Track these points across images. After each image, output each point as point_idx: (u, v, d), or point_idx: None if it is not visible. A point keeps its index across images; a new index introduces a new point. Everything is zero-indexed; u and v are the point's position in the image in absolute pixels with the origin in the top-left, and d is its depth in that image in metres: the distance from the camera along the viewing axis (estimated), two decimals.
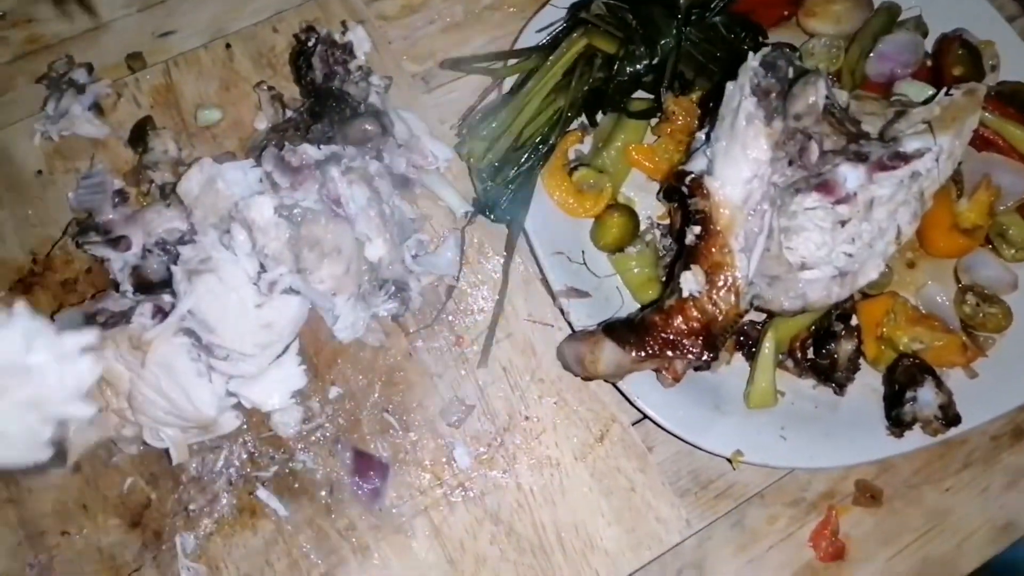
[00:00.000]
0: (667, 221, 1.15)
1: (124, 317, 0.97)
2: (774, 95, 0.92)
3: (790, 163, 0.93)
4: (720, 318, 0.89)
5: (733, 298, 0.89)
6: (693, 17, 1.17)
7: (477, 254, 1.12)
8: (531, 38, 1.19)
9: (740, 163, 0.90)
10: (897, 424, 1.02)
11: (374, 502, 0.99)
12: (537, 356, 1.07)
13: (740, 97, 0.92)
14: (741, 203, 0.90)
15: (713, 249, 0.90)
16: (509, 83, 1.17)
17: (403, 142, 1.11)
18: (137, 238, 1.03)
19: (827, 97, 0.99)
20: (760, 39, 1.23)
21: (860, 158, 0.97)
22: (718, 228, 0.90)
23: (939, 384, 1.02)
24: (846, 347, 1.06)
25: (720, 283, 0.89)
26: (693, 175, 0.93)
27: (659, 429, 1.03)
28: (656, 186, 1.17)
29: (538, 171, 1.12)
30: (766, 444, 1.02)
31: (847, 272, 1.00)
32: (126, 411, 0.93)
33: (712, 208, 0.90)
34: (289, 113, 1.16)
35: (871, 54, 1.22)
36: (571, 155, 1.17)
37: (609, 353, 0.94)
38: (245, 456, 1.01)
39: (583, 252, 1.11)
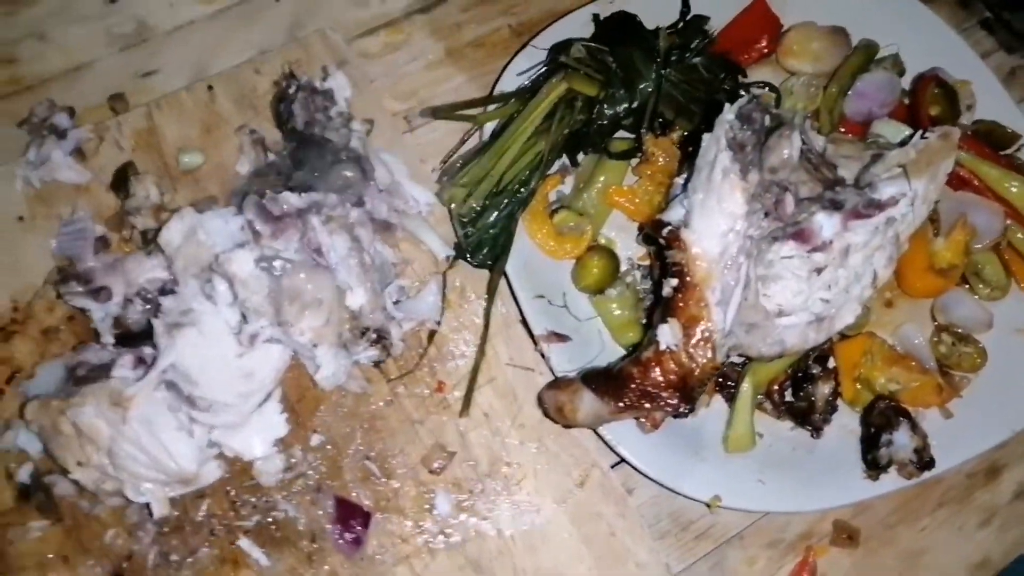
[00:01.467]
0: (647, 263, 1.16)
1: (105, 370, 0.97)
2: (749, 147, 0.93)
3: (766, 215, 0.94)
4: (696, 371, 0.90)
5: (710, 352, 0.90)
6: (673, 58, 1.18)
7: (459, 298, 1.12)
8: (511, 81, 1.20)
9: (716, 216, 0.91)
10: (873, 467, 1.04)
11: (356, 551, 1.00)
12: (518, 401, 1.07)
13: (716, 150, 0.93)
14: (717, 256, 0.91)
15: (690, 302, 0.91)
16: (490, 126, 1.17)
17: (384, 187, 1.12)
18: (118, 288, 1.04)
19: (803, 144, 1.00)
20: (740, 79, 1.24)
21: (835, 206, 0.99)
22: (695, 281, 0.91)
23: (914, 427, 1.04)
24: (823, 389, 1.07)
25: (696, 336, 0.90)
26: (671, 227, 0.94)
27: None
28: (636, 227, 1.18)
29: (519, 214, 1.13)
30: (744, 489, 1.03)
31: (824, 317, 1.01)
32: (107, 466, 0.93)
33: (689, 261, 0.91)
34: (271, 157, 1.17)
35: (849, 93, 1.24)
36: (552, 197, 1.18)
37: (587, 403, 0.95)
38: (227, 505, 1.01)
39: (564, 294, 1.12)
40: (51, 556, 0.98)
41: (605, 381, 0.94)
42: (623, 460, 1.04)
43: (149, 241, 1.12)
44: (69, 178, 1.15)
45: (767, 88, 1.25)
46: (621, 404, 0.93)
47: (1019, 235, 1.17)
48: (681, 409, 0.92)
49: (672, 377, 0.91)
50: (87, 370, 0.98)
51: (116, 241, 1.13)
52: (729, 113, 0.95)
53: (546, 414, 1.01)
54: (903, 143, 1.09)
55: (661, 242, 0.94)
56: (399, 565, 1.00)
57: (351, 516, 1.01)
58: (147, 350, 0.99)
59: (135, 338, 1.02)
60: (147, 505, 0.95)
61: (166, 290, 1.02)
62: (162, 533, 0.99)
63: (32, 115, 1.18)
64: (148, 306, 1.03)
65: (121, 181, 1.15)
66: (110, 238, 1.12)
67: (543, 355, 1.07)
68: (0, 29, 1.30)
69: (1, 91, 1.27)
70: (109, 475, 0.94)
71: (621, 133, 1.19)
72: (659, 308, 0.95)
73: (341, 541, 1.00)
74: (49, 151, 1.14)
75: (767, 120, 0.97)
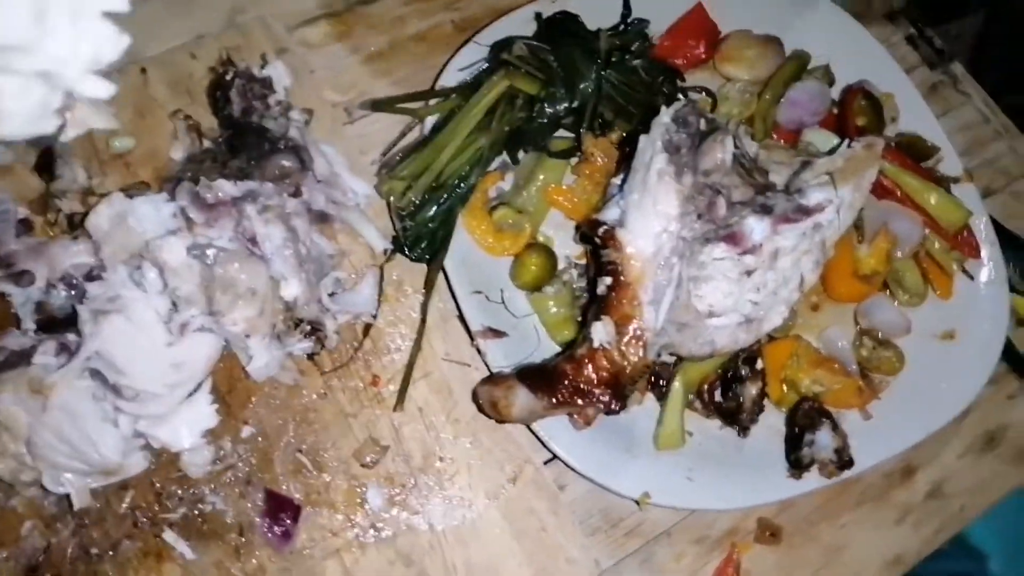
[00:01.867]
0: (584, 261, 1.17)
1: (25, 357, 0.94)
2: (684, 150, 0.95)
3: (699, 217, 0.96)
4: (628, 369, 0.92)
5: (641, 350, 0.92)
6: (613, 60, 1.20)
7: (396, 292, 1.12)
8: (453, 76, 1.20)
9: (651, 217, 0.93)
10: (796, 466, 1.07)
11: (285, 544, 0.99)
12: (454, 396, 1.07)
13: (652, 152, 0.95)
14: (651, 256, 0.93)
15: (623, 301, 0.92)
16: (431, 120, 1.17)
17: (323, 178, 1.11)
18: (41, 272, 1.00)
19: (736, 148, 1.03)
20: (678, 82, 1.27)
21: (766, 210, 1.01)
22: (628, 280, 0.92)
23: (835, 428, 1.07)
24: (751, 390, 1.10)
25: (629, 335, 0.92)
26: (606, 226, 0.95)
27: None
28: (574, 225, 1.19)
29: (458, 210, 1.13)
30: (674, 486, 1.05)
31: (753, 319, 1.04)
32: (24, 456, 0.90)
33: (623, 260, 0.93)
34: (207, 144, 1.14)
35: (782, 100, 1.27)
36: (492, 193, 1.18)
37: (522, 399, 0.95)
38: (152, 497, 0.99)
39: (502, 291, 1.13)
40: None
41: (539, 377, 0.95)
42: (556, 456, 1.05)
43: (76, 226, 1.08)
44: None
45: (704, 93, 1.27)
46: (554, 400, 0.94)
47: (936, 245, 1.22)
48: (613, 406, 0.93)
49: (604, 374, 0.93)
50: (6, 356, 0.94)
51: (40, 224, 1.09)
52: (665, 116, 0.97)
53: (480, 409, 1.02)
54: (831, 151, 1.14)
55: (596, 241, 0.96)
56: (329, 559, 0.99)
57: (281, 509, 1.00)
58: (71, 337, 0.96)
59: (59, 324, 0.99)
60: (67, 496, 0.93)
61: (93, 276, 0.99)
62: (82, 525, 0.96)
63: None
64: (73, 292, 1.00)
65: (47, 163, 1.11)
66: (33, 221, 1.08)
67: (479, 351, 1.07)
68: None
69: None
70: (27, 465, 0.91)
71: (561, 132, 1.21)
72: (593, 306, 0.96)
73: (270, 535, 0.99)
74: None
75: (702, 124, 1.00)
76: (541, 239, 1.19)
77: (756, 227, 1.00)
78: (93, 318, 0.93)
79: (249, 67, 1.09)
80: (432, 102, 1.16)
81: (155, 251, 0.93)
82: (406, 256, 1.12)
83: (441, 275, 1.12)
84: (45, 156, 1.12)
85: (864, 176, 1.07)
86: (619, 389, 0.93)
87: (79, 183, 1.10)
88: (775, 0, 1.35)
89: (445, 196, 1.12)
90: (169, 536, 0.97)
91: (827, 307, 1.21)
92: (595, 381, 0.93)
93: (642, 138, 0.97)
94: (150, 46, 1.26)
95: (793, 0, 1.34)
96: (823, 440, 1.06)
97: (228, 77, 1.08)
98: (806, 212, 1.02)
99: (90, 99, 0.66)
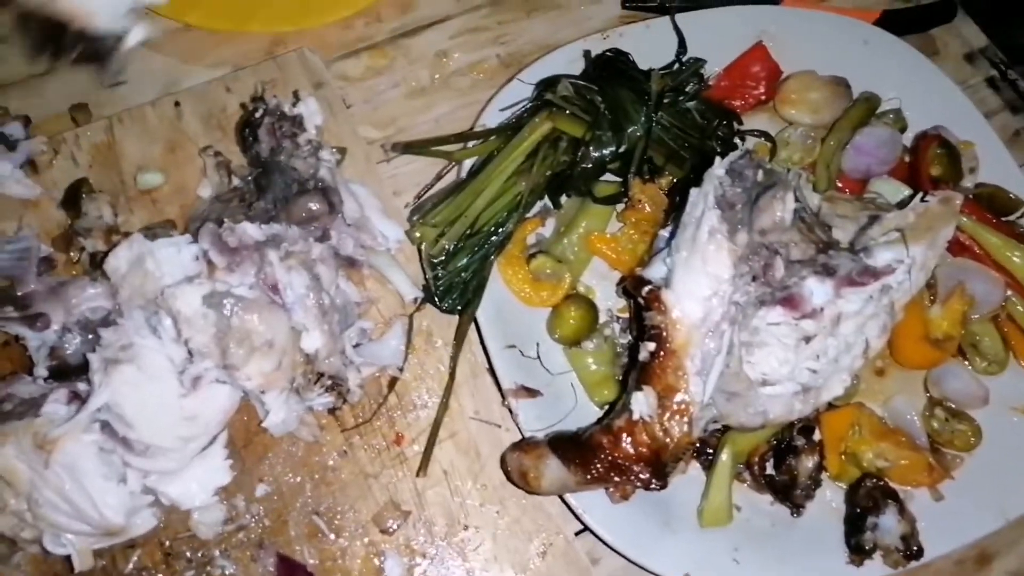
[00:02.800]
0: (627, 315, 1.09)
1: (34, 406, 0.90)
2: (739, 206, 0.87)
3: (753, 279, 0.88)
4: (671, 446, 0.84)
5: (686, 426, 0.83)
6: (665, 101, 1.13)
7: (424, 343, 1.05)
8: (494, 115, 1.14)
9: (700, 278, 0.85)
10: (857, 551, 0.97)
11: None
12: (481, 459, 1.00)
13: (703, 207, 0.87)
14: (699, 322, 0.85)
15: (667, 369, 0.84)
16: (469, 162, 1.11)
17: (352, 221, 1.05)
18: (57, 315, 0.96)
19: (797, 202, 0.95)
20: (735, 126, 1.19)
21: (828, 271, 0.92)
22: (673, 347, 0.84)
23: (902, 511, 0.97)
24: (807, 463, 1.01)
25: (672, 408, 0.84)
26: (651, 286, 0.87)
27: None
28: (618, 276, 1.12)
29: (493, 258, 1.06)
30: (717, 566, 0.96)
31: (811, 388, 0.94)
32: (25, 513, 0.85)
33: (668, 325, 0.85)
34: (236, 181, 1.10)
35: (848, 147, 1.18)
36: (530, 239, 1.11)
37: (553, 471, 0.88)
38: (160, 558, 0.94)
39: (537, 345, 1.06)
40: None
41: (573, 448, 0.88)
42: (588, 529, 0.97)
43: (97, 265, 1.04)
44: (17, 192, 1.08)
45: (763, 137, 1.19)
46: (588, 475, 0.86)
47: (1019, 307, 1.11)
48: (652, 485, 0.85)
49: (644, 450, 0.84)
50: (13, 405, 0.90)
51: (62, 262, 1.06)
52: (719, 168, 0.89)
53: (509, 478, 0.94)
54: (902, 204, 1.04)
55: (640, 301, 0.88)
56: None
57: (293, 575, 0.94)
58: (82, 386, 0.92)
59: (72, 371, 0.95)
60: (68, 559, 0.88)
61: (109, 321, 0.95)
62: None
63: None
64: (88, 336, 0.96)
65: (73, 199, 1.08)
66: (55, 259, 1.05)
67: (511, 411, 1.00)
68: None
69: None
70: (28, 523, 0.86)
71: (608, 176, 1.13)
72: (634, 372, 0.88)
73: None
74: None
75: (760, 176, 0.92)
76: (581, 289, 1.11)
77: (817, 290, 0.91)
78: (104, 368, 0.89)
79: (280, 104, 1.04)
80: (469, 144, 1.10)
81: (169, 299, 0.88)
82: (436, 307, 1.05)
83: (473, 327, 1.05)
84: (72, 192, 1.09)
85: (939, 233, 0.98)
86: (660, 467, 0.84)
87: (104, 220, 1.06)
88: (842, 40, 1.26)
89: (480, 244, 1.06)
90: None
91: (894, 373, 1.10)
92: (633, 456, 0.85)
93: (693, 191, 0.89)
94: (186, 77, 1.24)
95: (862, 39, 1.25)
96: (888, 524, 0.96)
97: (257, 114, 1.04)
98: (873, 274, 0.93)
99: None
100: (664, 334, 0.85)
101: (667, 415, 0.84)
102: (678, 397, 0.84)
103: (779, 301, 0.91)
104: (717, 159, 0.90)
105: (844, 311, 0.93)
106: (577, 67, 1.18)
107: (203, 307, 0.88)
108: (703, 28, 1.23)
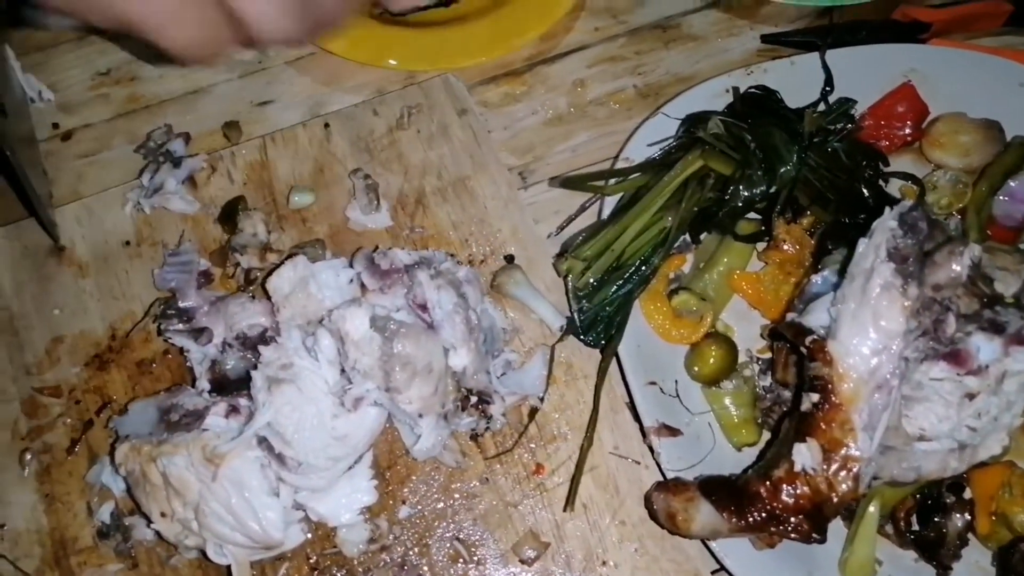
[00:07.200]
0: (768, 355, 1.08)
1: (198, 417, 0.93)
2: (912, 259, 0.85)
3: (923, 334, 0.86)
4: (835, 500, 0.82)
5: (851, 481, 0.82)
6: (815, 141, 1.11)
7: (565, 375, 1.06)
8: (638, 149, 1.14)
9: (870, 332, 0.83)
10: None
11: None
12: (620, 495, 1.00)
13: (874, 259, 0.85)
14: (867, 376, 0.83)
15: (833, 423, 0.83)
16: (613, 197, 1.11)
17: None
18: (219, 329, 1.00)
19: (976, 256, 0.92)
20: (882, 167, 1.16)
21: (996, 328, 0.90)
22: (839, 401, 0.83)
23: None
24: (956, 522, 0.98)
25: (838, 462, 0.82)
26: (815, 336, 0.86)
27: None
28: (758, 315, 1.11)
29: (637, 293, 1.06)
30: None
31: (967, 445, 0.92)
32: (191, 522, 0.88)
33: (835, 378, 0.83)
34: (384, 205, 1.13)
35: (999, 193, 1.14)
36: (671, 276, 1.11)
37: (705, 515, 0.87)
38: (307, 571, 0.96)
39: (676, 382, 1.05)
40: None
41: (728, 495, 0.87)
42: (726, 571, 0.96)
43: (251, 281, 1.08)
44: (179, 207, 1.12)
45: (910, 181, 1.16)
46: (743, 523, 0.85)
47: None
48: (813, 537, 0.83)
49: (804, 503, 0.83)
50: (180, 415, 0.94)
51: (219, 276, 1.10)
52: (891, 219, 0.87)
53: (653, 518, 0.94)
54: None
55: (802, 351, 0.87)
56: None
57: None
58: (241, 401, 0.95)
59: (229, 385, 0.98)
60: (227, 568, 0.91)
61: (266, 339, 0.98)
62: None
63: (149, 139, 1.17)
64: (246, 352, 0.99)
65: (230, 215, 1.12)
66: (213, 273, 1.09)
67: (651, 448, 1.00)
68: (125, 48, 1.29)
69: (121, 108, 1.26)
70: (192, 531, 0.89)
71: (748, 214, 1.12)
72: (794, 422, 0.87)
73: None
74: (163, 178, 1.12)
75: (927, 227, 0.89)
76: (720, 327, 1.10)
77: (984, 347, 0.88)
78: (267, 386, 0.91)
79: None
80: (620, 179, 1.10)
81: (338, 321, 0.90)
82: (580, 340, 1.05)
83: (613, 361, 1.05)
84: (229, 208, 1.12)
85: None
86: (820, 521, 0.83)
87: (258, 238, 1.09)
88: (995, 81, 1.21)
89: (625, 278, 1.06)
90: None
91: None
92: (793, 508, 0.83)
93: (862, 241, 0.88)
94: (332, 99, 1.27)
95: (1018, 82, 1.21)
96: None
97: None
98: None
99: None
100: (830, 386, 0.83)
101: (832, 468, 0.82)
102: (844, 451, 0.82)
103: (943, 356, 0.88)
104: (887, 209, 0.88)
105: (1010, 369, 0.90)
106: (720, 101, 1.17)
107: (370, 330, 0.90)
108: (848, 65, 1.20)
